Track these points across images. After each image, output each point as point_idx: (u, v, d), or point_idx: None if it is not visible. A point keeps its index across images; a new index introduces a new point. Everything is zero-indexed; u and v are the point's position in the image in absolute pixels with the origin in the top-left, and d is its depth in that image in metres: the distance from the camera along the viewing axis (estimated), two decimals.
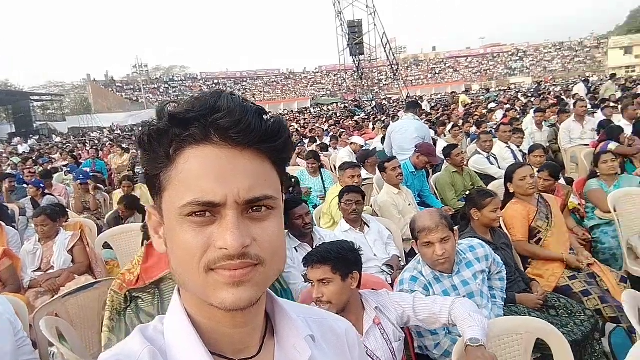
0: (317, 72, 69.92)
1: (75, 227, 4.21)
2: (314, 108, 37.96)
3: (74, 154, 13.51)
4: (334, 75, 63.95)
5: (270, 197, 0.61)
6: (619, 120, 7.33)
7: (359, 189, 3.56)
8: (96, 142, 23.66)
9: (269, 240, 0.61)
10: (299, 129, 16.80)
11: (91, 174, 7.12)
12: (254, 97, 63.56)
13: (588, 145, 6.79)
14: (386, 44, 34.48)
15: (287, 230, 3.30)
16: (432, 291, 2.33)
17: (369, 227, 3.47)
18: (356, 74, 38.82)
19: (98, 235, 4.43)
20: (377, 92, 44.89)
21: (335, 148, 9.71)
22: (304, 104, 47.94)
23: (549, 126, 8.67)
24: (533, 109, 9.57)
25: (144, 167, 0.65)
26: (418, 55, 73.46)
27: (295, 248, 3.16)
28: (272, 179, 0.63)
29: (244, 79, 69.10)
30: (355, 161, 5.44)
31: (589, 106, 9.89)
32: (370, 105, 28.77)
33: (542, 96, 18.83)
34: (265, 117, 0.61)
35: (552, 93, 21.62)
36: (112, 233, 4.22)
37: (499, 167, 5.78)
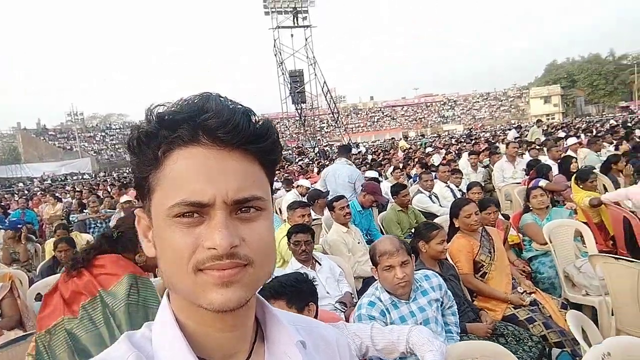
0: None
1: (4, 278, 3.88)
2: None
3: (2, 204, 12.62)
4: (277, 123, 64.80)
5: (259, 197, 0.61)
6: (545, 160, 7.91)
7: (308, 228, 3.56)
8: (25, 192, 22.27)
9: (258, 241, 0.60)
10: None
11: (21, 224, 6.66)
12: None
13: (520, 183, 7.23)
14: (327, 93, 35.63)
15: None
16: (390, 317, 2.34)
17: (320, 264, 3.46)
18: (299, 121, 39.61)
19: (29, 287, 4.10)
20: (319, 138, 45.86)
21: (288, 190, 9.75)
22: None
23: (483, 167, 9.18)
24: (467, 152, 10.13)
25: (133, 170, 0.65)
26: (357, 104, 76.31)
27: None
28: (261, 180, 0.63)
29: None
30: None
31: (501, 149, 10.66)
32: (313, 151, 29.28)
33: (473, 141, 19.98)
34: (253, 118, 0.62)
35: (481, 138, 23.07)
36: (46, 283, 3.92)
37: (440, 205, 6.02)
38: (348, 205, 4.40)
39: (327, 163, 15.14)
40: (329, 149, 29.85)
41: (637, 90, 57.62)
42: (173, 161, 0.60)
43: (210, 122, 0.58)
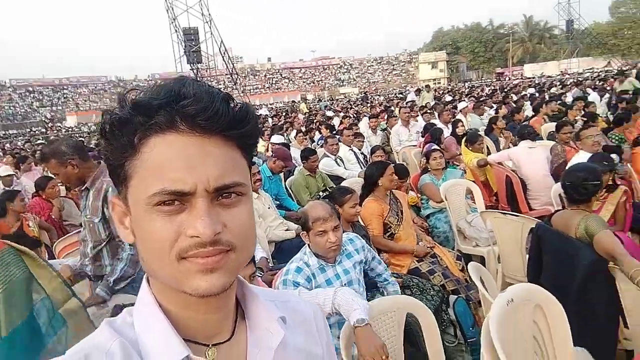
0: (151, 80, 66.21)
1: None
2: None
3: None
4: None
5: (240, 183, 0.61)
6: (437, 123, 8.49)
7: None
8: None
9: (240, 226, 0.61)
10: None
11: None
12: (77, 106, 57.49)
13: (415, 145, 7.72)
14: (224, 53, 34.28)
15: None
16: (316, 281, 2.43)
17: None
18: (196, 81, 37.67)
19: None
20: None
21: None
22: None
23: (381, 130, 9.62)
24: (367, 116, 10.51)
25: (106, 156, 0.62)
26: (254, 66, 74.73)
27: None
28: (241, 165, 0.63)
29: (65, 87, 62.15)
30: None
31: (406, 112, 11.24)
32: None
33: (369, 104, 20.69)
34: (232, 103, 0.61)
35: (376, 102, 24.00)
36: None
37: (345, 168, 6.25)
38: (259, 171, 4.40)
39: None
40: None
41: (512, 57, 63.41)
42: (150, 148, 0.58)
43: (189, 109, 0.57)
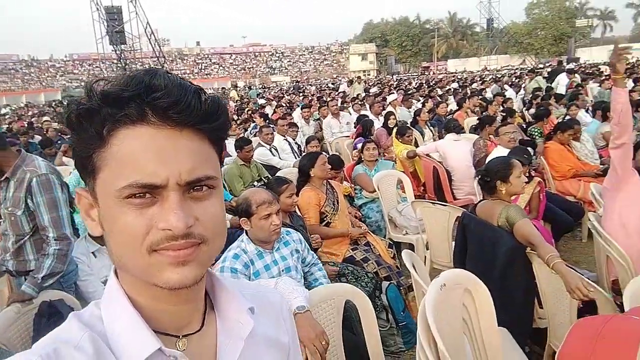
0: (68, 61, 61.87)
1: None
2: (66, 101, 33.45)
3: None
4: (89, 65, 57.72)
5: (212, 176, 0.61)
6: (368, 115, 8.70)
7: None
8: None
9: (212, 219, 0.61)
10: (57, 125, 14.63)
11: None
12: None
13: (348, 136, 7.87)
14: (150, 35, 32.72)
15: (87, 234, 2.96)
16: (254, 267, 2.45)
17: None
18: (118, 64, 35.75)
19: None
20: None
21: None
22: (53, 97, 41.93)
23: (314, 120, 9.70)
24: (300, 106, 10.54)
25: (73, 147, 0.61)
26: (182, 49, 72.04)
27: (93, 253, 2.86)
28: (212, 158, 0.63)
29: None
30: None
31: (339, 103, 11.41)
32: None
33: (302, 93, 20.71)
34: (203, 96, 0.61)
35: (308, 91, 24.10)
36: None
37: (280, 158, 6.25)
38: None
39: None
40: None
41: (437, 52, 66.10)
42: (120, 140, 0.57)
43: (161, 102, 0.57)
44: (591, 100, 9.92)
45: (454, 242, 3.46)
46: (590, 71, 20.22)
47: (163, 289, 0.60)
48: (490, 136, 5.62)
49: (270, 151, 6.14)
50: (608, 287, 2.94)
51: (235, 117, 11.05)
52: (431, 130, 7.60)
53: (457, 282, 1.93)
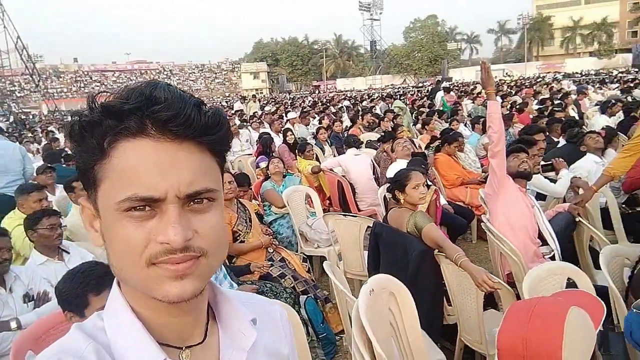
0: None
1: None
2: None
3: None
4: None
5: (211, 189, 0.61)
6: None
7: (57, 212, 3.11)
8: None
9: (211, 232, 0.61)
10: None
11: None
12: None
13: (250, 154, 7.85)
14: (22, 50, 29.66)
15: None
16: None
17: (68, 253, 3.08)
18: None
19: None
20: (8, 105, 38.31)
21: None
22: None
23: None
24: None
25: (76, 159, 0.62)
26: (57, 66, 66.41)
27: None
28: (213, 171, 0.63)
29: None
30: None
31: (238, 122, 11.38)
32: (8, 120, 24.25)
33: None
34: (204, 108, 0.61)
35: None
36: None
37: None
38: None
39: (29, 135, 12.92)
40: (25, 117, 25.30)
41: (326, 72, 68.70)
42: (120, 153, 0.57)
43: (161, 114, 0.56)
44: (468, 116, 10.99)
45: (365, 252, 3.63)
46: (464, 89, 22.40)
47: (163, 302, 0.59)
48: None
49: None
50: (504, 280, 3.27)
51: None
52: (330, 147, 7.87)
53: (383, 286, 2.03)
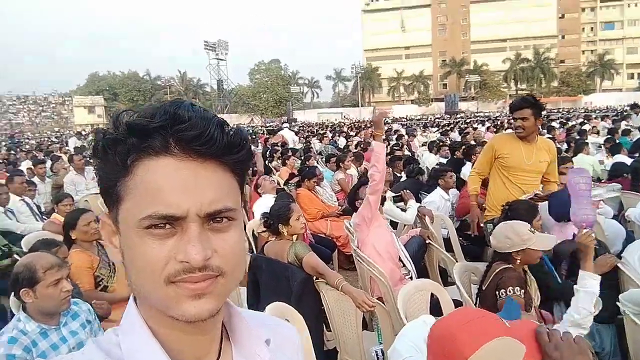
0: None
1: None
2: None
3: None
4: None
5: (232, 209, 0.61)
6: None
7: None
8: None
9: (230, 252, 0.61)
10: None
11: None
12: None
13: (96, 193, 7.20)
14: None
15: None
16: (37, 350, 2.08)
17: None
18: None
19: None
20: None
21: None
22: None
23: (48, 177, 8.51)
24: (30, 161, 9.15)
25: (99, 175, 0.62)
26: None
27: None
28: (233, 190, 0.63)
29: None
30: None
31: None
32: None
33: (20, 147, 17.88)
34: (226, 128, 0.62)
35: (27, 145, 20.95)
36: None
37: (19, 222, 5.31)
38: None
39: None
40: None
41: None
42: (143, 171, 0.58)
43: (185, 134, 0.58)
44: (318, 154, 11.72)
45: (241, 287, 3.62)
46: (310, 129, 23.82)
47: (180, 321, 0.59)
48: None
49: (6, 214, 5.15)
50: None
51: None
52: None
53: (279, 313, 2.10)
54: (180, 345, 0.65)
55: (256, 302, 3.19)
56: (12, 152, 16.26)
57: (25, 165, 9.12)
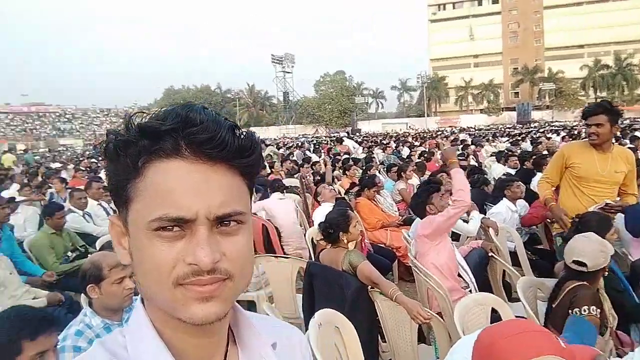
0: None
1: None
2: None
3: None
4: None
5: (241, 212, 0.61)
6: None
7: None
8: None
9: (239, 255, 0.61)
10: None
11: None
12: None
13: None
14: None
15: None
16: None
17: None
18: None
19: None
20: None
21: None
22: None
23: None
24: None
25: (109, 176, 0.62)
26: None
27: None
28: (243, 194, 0.63)
29: None
30: None
31: None
32: None
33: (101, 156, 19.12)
34: (237, 132, 0.62)
35: None
36: None
37: (95, 225, 5.68)
38: None
39: None
40: None
41: (240, 120, 69.09)
42: (154, 173, 0.58)
43: (196, 137, 0.58)
44: (380, 164, 11.61)
45: (297, 294, 3.64)
46: (373, 140, 23.70)
47: (187, 323, 0.59)
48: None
49: (84, 217, 5.54)
50: None
51: (25, 180, 9.61)
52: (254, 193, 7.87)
53: (328, 320, 2.07)
54: (186, 348, 0.65)
55: (310, 310, 3.18)
56: (94, 160, 17.48)
57: (104, 172, 9.76)
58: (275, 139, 40.11)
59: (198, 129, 0.58)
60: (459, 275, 3.53)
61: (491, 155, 12.26)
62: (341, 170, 9.13)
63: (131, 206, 0.60)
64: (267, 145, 17.55)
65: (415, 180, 7.63)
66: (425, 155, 11.23)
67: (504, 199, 5.15)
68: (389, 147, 16.08)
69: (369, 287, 2.94)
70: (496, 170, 8.72)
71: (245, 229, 0.63)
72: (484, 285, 3.80)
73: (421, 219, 3.66)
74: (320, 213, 5.00)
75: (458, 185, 3.39)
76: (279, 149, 20.06)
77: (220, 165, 0.60)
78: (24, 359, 1.56)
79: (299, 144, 20.96)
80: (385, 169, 9.29)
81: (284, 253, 5.47)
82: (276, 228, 5.59)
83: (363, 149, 16.70)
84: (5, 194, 6.31)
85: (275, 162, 10.11)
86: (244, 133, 0.63)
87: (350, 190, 7.00)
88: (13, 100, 71.93)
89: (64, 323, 2.19)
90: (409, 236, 4.30)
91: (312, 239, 4.81)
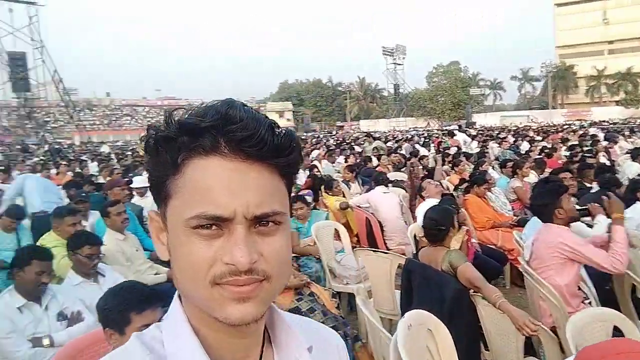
0: None
1: None
2: None
3: None
4: None
5: (279, 212, 0.60)
6: None
7: (99, 241, 3.19)
8: None
9: (276, 256, 0.60)
10: None
11: None
12: None
13: None
14: (59, 83, 31.10)
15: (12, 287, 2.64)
16: None
17: (104, 276, 3.11)
18: (17, 112, 33.25)
19: None
20: (43, 135, 39.76)
21: None
22: None
23: None
24: None
25: (149, 171, 0.63)
26: (91, 99, 69.11)
27: (19, 308, 2.55)
28: (281, 194, 0.62)
29: None
30: None
31: None
32: (40, 148, 25.12)
33: None
34: (277, 130, 0.61)
35: None
36: None
37: None
38: (125, 210, 4.06)
39: (63, 163, 13.26)
40: (60, 147, 26.14)
41: (349, 113, 69.79)
42: (193, 169, 0.58)
43: (236, 135, 0.57)
44: (495, 159, 10.93)
45: (396, 290, 3.56)
46: (489, 134, 22.38)
47: (223, 323, 0.59)
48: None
49: None
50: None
51: None
52: (359, 184, 7.91)
53: (420, 322, 1.98)
54: (221, 347, 0.64)
55: (408, 306, 3.09)
56: None
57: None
58: (384, 132, 39.86)
59: (237, 126, 0.57)
60: (578, 288, 3.17)
61: (626, 153, 10.89)
62: (450, 165, 8.75)
63: (170, 202, 0.60)
64: (374, 139, 17.36)
65: (532, 178, 7.03)
66: (547, 150, 10.32)
67: (638, 202, 4.53)
68: (505, 141, 15.07)
69: (471, 290, 2.77)
70: (631, 169, 7.71)
71: (283, 230, 0.62)
72: (607, 299, 3.37)
73: (543, 222, 3.27)
74: (424, 209, 4.83)
75: (619, 240, 2.91)
76: (386, 143, 19.89)
77: (259, 163, 0.59)
78: (131, 329, 1.71)
79: (409, 137, 20.56)
80: (499, 165, 8.73)
81: (387, 247, 5.41)
82: (379, 222, 5.55)
83: (477, 143, 15.81)
84: (139, 179, 7.02)
85: (382, 154, 10.04)
86: (284, 132, 0.62)
87: (459, 187, 6.68)
88: (149, 94, 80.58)
89: (170, 299, 2.37)
90: (520, 239, 3.98)
91: (415, 235, 4.68)
